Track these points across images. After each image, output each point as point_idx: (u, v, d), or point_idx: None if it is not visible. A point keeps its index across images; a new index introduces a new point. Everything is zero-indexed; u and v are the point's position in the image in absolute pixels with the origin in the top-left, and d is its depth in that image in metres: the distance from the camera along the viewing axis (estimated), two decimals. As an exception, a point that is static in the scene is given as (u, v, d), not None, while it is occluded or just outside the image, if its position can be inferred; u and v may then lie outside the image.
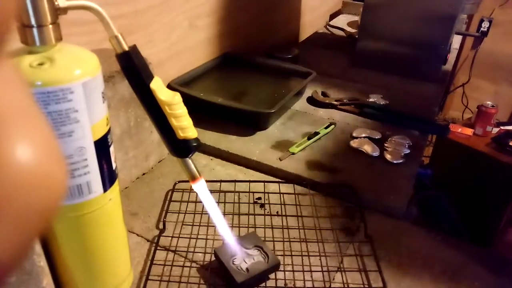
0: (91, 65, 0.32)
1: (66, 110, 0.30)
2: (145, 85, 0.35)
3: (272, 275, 0.45)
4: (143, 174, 0.62)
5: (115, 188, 0.37)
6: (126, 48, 0.34)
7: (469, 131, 1.46)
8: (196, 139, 0.38)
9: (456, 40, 1.15)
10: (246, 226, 0.52)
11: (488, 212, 1.32)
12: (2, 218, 0.11)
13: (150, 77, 0.35)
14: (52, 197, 0.13)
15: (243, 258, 0.45)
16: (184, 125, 0.37)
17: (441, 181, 1.41)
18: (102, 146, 0.34)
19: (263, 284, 0.44)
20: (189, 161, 0.40)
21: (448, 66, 1.02)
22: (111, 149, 0.36)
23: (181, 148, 0.38)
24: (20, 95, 0.13)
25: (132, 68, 0.34)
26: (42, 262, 0.33)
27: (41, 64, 0.29)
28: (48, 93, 0.29)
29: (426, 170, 1.36)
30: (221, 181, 0.59)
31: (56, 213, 0.13)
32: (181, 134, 0.37)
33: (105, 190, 0.35)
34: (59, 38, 0.31)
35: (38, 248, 0.32)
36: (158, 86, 0.35)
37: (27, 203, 0.12)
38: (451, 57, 1.06)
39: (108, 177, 0.36)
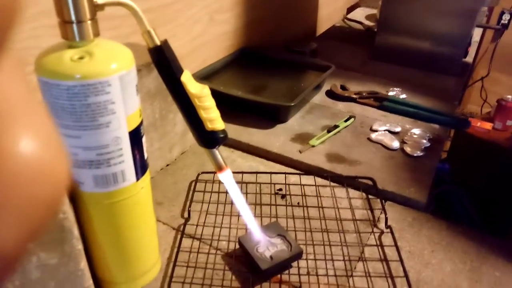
0: (126, 59, 0.33)
1: (104, 102, 0.32)
2: (176, 78, 0.36)
3: (295, 263, 0.46)
4: (167, 165, 0.63)
5: (147, 177, 0.39)
6: (158, 43, 0.35)
7: (488, 125, 1.43)
8: (223, 131, 0.39)
9: (476, 33, 1.14)
10: (268, 216, 0.53)
11: (507, 207, 1.30)
12: (5, 209, 0.11)
13: (180, 70, 0.37)
14: (54, 189, 0.13)
15: (266, 246, 0.46)
16: (213, 117, 0.38)
17: (459, 176, 1.40)
18: (135, 136, 0.35)
19: (286, 272, 0.45)
20: (216, 151, 0.41)
21: (468, 59, 1.01)
22: (143, 139, 0.37)
23: (209, 139, 0.39)
24: (23, 89, 0.13)
25: (163, 61, 0.36)
26: (80, 246, 0.35)
27: (81, 58, 0.31)
28: (88, 85, 0.30)
29: (444, 165, 1.35)
30: (242, 172, 0.60)
31: (59, 205, 0.13)
32: (209, 126, 0.38)
33: (137, 178, 0.37)
34: (97, 34, 0.32)
35: (76, 233, 0.34)
36: (188, 79, 0.37)
37: (30, 195, 0.12)
38: (471, 51, 1.05)
39: (140, 166, 0.37)
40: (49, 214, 0.13)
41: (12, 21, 0.11)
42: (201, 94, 0.37)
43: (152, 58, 0.36)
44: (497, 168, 1.39)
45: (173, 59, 0.36)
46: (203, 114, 0.37)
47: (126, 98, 0.33)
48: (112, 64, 0.32)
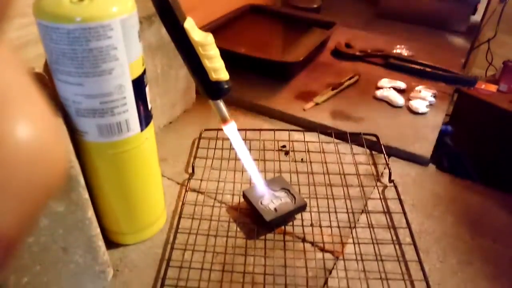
0: (127, 2, 0.32)
1: (106, 47, 0.31)
2: (179, 25, 0.35)
3: (298, 216, 0.47)
4: (170, 122, 0.63)
5: (151, 128, 0.39)
6: (160, -13, 0.34)
7: (493, 88, 1.42)
8: (228, 81, 0.39)
9: (486, -10, 1.10)
10: (272, 171, 0.53)
11: (509, 170, 1.31)
12: (5, 194, 0.12)
13: (183, 16, 0.36)
14: (52, 172, 0.13)
15: (271, 199, 0.46)
16: (217, 66, 0.37)
17: (461, 139, 1.39)
18: (139, 85, 0.35)
19: (290, 223, 0.46)
20: (221, 103, 0.40)
21: (477, 17, 0.98)
22: (147, 89, 0.37)
23: (213, 90, 0.38)
24: (19, 75, 0.13)
25: (166, 7, 0.35)
26: (87, 195, 0.35)
27: (81, 0, 0.30)
28: (89, 29, 0.30)
29: (446, 127, 1.35)
30: (246, 129, 0.60)
31: (58, 187, 0.14)
32: (213, 76, 0.37)
33: (142, 129, 0.37)
34: (96, -25, 0.31)
35: (82, 182, 0.34)
36: (191, 26, 0.36)
37: (29, 179, 0.12)
38: (480, 9, 1.02)
39: (144, 116, 0.37)
40: (48, 196, 0.13)
41: (4, 12, 0.11)
42: (205, 42, 0.36)
43: (154, 4, 0.35)
44: (499, 131, 1.39)
45: (176, 5, 0.35)
46: (207, 63, 0.37)
47: (128, 44, 0.32)
48: (113, 7, 0.31)
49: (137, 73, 0.34)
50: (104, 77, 0.32)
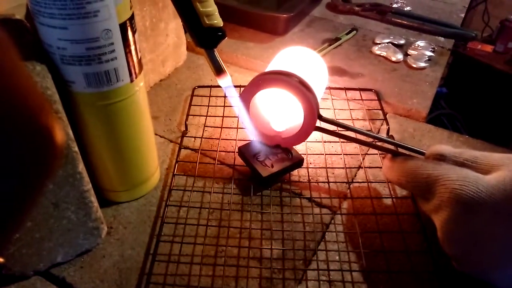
0: None
1: (90, -14, 0.28)
2: (168, -36, 0.33)
3: (295, 172, 0.46)
4: (161, 80, 0.61)
5: (141, 79, 0.37)
6: None
7: (489, 48, 1.40)
8: (222, 29, 0.37)
9: None
10: (268, 128, 0.52)
11: (505, 133, 1.31)
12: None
13: (173, -44, 0.33)
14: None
15: (267, 155, 0.45)
16: (210, 11, 0.35)
17: (456, 101, 1.39)
18: (127, 30, 0.33)
19: (287, 180, 0.45)
20: (215, 53, 0.38)
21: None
22: (136, 36, 0.34)
23: (206, 37, 0.36)
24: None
25: None
26: (76, 148, 0.33)
27: None
28: (70, -36, 0.27)
29: (441, 89, 1.33)
30: (240, 86, 0.58)
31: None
32: (206, 22, 0.35)
33: (132, 79, 0.35)
34: None
35: (71, 134, 0.33)
36: (181, -33, 0.33)
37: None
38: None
39: (134, 66, 0.35)
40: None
41: None
42: (196, -17, 0.34)
43: None
44: (494, 92, 1.38)
45: None
46: (199, 7, 0.34)
47: (114, -16, 0.30)
48: None
49: (125, 16, 0.32)
50: (89, 20, 0.29)
